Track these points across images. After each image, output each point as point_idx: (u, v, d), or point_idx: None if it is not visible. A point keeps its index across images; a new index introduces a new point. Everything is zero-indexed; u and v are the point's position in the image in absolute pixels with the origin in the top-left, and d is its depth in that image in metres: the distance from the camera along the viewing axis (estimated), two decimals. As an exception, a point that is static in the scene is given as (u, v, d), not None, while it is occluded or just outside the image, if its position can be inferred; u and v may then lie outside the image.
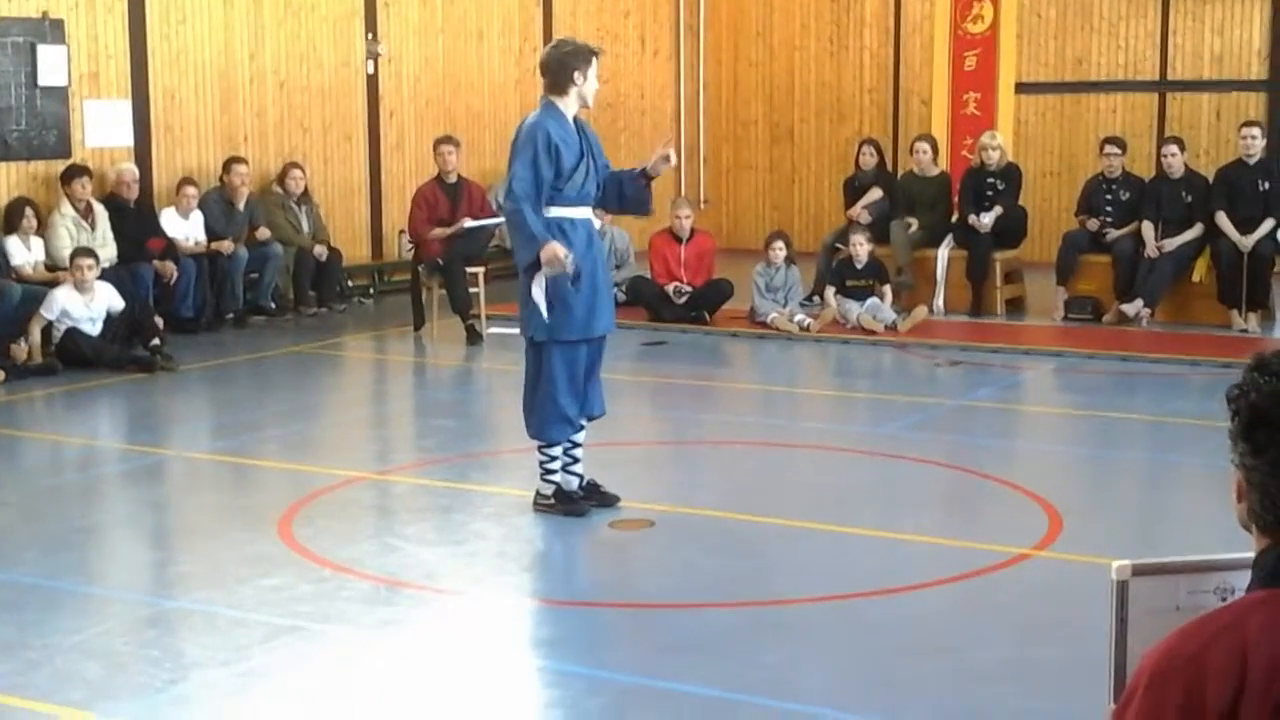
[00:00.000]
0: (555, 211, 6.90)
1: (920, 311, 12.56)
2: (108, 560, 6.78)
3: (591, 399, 7.12)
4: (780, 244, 12.84)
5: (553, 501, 7.06)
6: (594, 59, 6.99)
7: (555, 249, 6.72)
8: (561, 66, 6.94)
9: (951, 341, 12.03)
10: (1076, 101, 16.69)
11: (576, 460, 7.12)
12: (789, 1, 18.36)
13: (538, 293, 6.81)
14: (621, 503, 7.14)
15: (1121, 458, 8.66)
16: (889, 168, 15.29)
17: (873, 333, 12.19)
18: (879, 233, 13.72)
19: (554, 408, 6.96)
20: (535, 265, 6.79)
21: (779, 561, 6.43)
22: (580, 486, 7.12)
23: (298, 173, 13.66)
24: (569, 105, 6.98)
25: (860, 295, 12.60)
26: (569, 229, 6.90)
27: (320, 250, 13.52)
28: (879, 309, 12.42)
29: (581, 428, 7.12)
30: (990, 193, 13.59)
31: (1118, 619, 2.60)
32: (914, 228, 13.70)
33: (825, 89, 18.28)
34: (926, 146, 14.03)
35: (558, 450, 7.06)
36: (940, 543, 6.64)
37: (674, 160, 7.25)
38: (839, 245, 13.53)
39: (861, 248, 12.73)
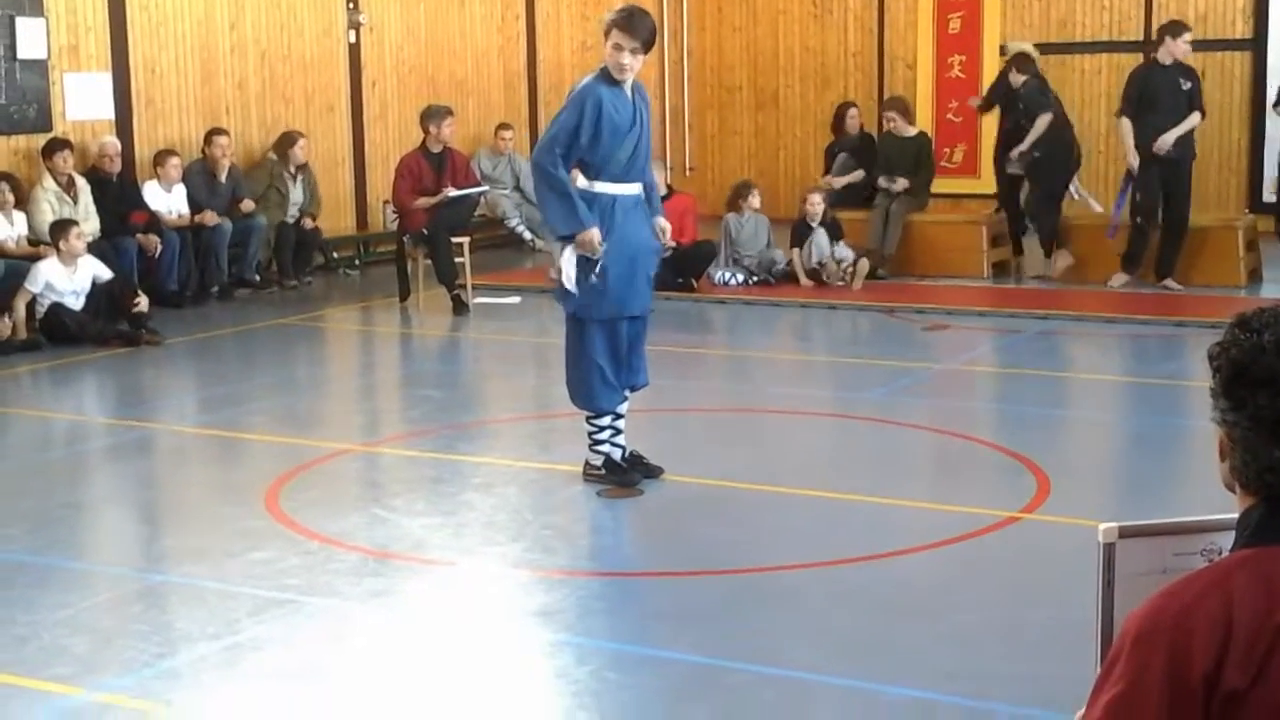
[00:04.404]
0: (600, 187, 6.74)
1: (863, 265, 12.69)
2: (95, 535, 6.77)
3: (636, 369, 7.01)
4: (755, 193, 13.18)
5: (603, 472, 6.97)
6: (612, 33, 6.59)
7: (594, 239, 6.58)
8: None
9: (939, 305, 12.02)
10: (1061, 63, 16.63)
11: (619, 431, 7.02)
12: (772, -35, 18.30)
13: (568, 267, 6.68)
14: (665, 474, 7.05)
15: (1109, 420, 8.67)
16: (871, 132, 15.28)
17: (822, 284, 12.54)
18: (861, 200, 13.87)
19: (598, 376, 6.85)
20: (570, 237, 6.65)
21: (766, 528, 6.43)
22: (623, 458, 7.02)
23: (304, 141, 13.61)
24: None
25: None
26: (613, 206, 6.74)
27: (306, 220, 13.49)
28: (820, 251, 12.68)
29: (625, 398, 7.04)
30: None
31: (1104, 581, 2.60)
32: (898, 186, 13.60)
33: (809, 53, 18.23)
34: (894, 114, 13.96)
35: (606, 420, 6.95)
36: (928, 507, 6.64)
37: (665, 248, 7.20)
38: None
39: (816, 205, 12.82)
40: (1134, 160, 12.38)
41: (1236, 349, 2.18)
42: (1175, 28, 12.49)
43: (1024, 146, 13.02)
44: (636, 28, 6.64)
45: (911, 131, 14.04)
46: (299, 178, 13.67)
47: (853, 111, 14.83)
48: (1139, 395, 9.30)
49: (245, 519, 6.54)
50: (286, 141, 13.61)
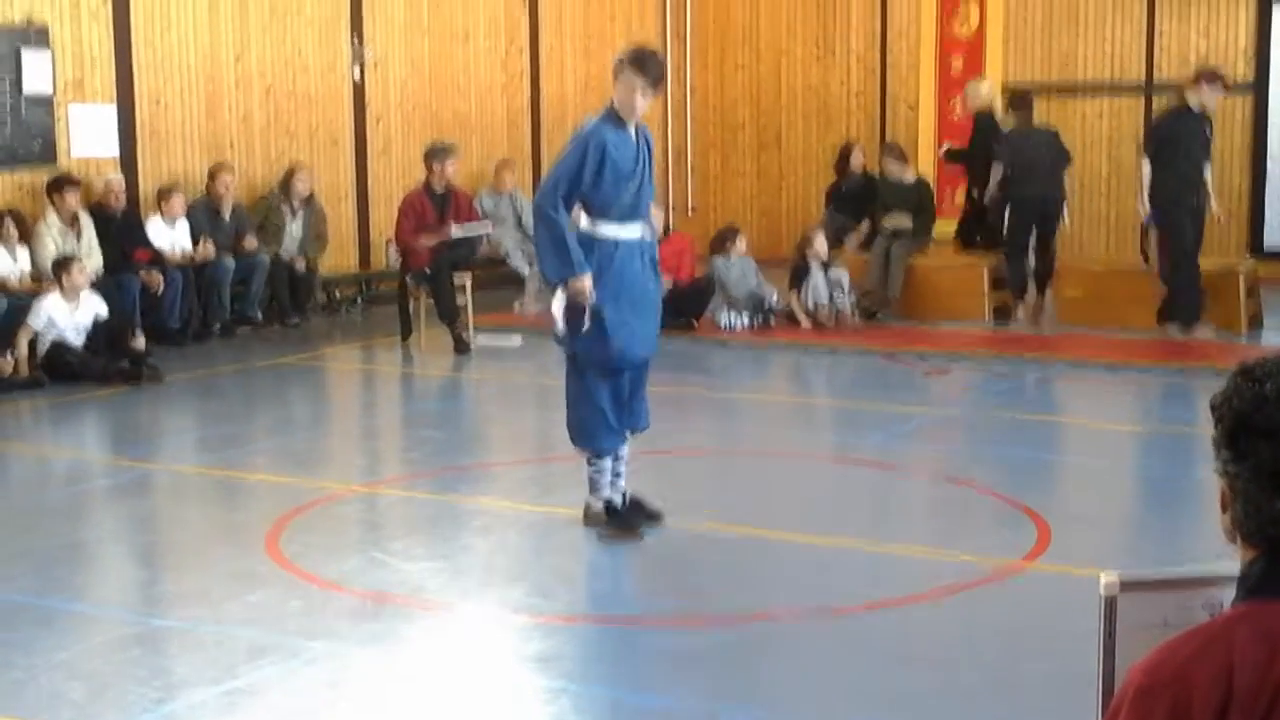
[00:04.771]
0: (603, 228, 6.71)
1: (850, 299, 12.90)
2: (94, 577, 6.74)
3: (637, 412, 6.98)
4: (740, 237, 13.22)
5: (604, 516, 6.92)
6: (624, 74, 6.57)
7: (584, 287, 6.57)
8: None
9: (939, 349, 12.01)
10: (1063, 104, 16.70)
11: (620, 474, 6.99)
12: (775, 5, 18.36)
13: (558, 310, 6.68)
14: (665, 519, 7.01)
15: (1111, 468, 8.64)
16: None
17: (822, 325, 12.64)
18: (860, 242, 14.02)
19: (600, 418, 6.81)
20: (561, 284, 6.64)
21: (766, 574, 6.41)
22: (623, 501, 6.98)
23: (305, 175, 13.62)
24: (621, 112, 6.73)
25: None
26: (613, 249, 6.71)
27: (299, 262, 13.44)
28: (818, 293, 12.74)
29: (625, 439, 7.01)
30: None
31: (1105, 633, 2.59)
32: (900, 222, 13.66)
33: (812, 93, 18.28)
34: (892, 161, 13.98)
35: (606, 462, 6.91)
36: (928, 554, 6.63)
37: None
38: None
39: (820, 246, 12.92)
40: (1145, 209, 12.19)
41: (1239, 399, 2.17)
42: (1213, 76, 12.42)
43: (991, 189, 13.23)
44: (650, 68, 6.66)
45: (911, 177, 14.04)
46: (300, 212, 13.64)
47: (856, 151, 14.88)
48: (1140, 443, 9.29)
49: (245, 561, 6.52)
50: (288, 174, 13.63)
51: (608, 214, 6.73)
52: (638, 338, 6.83)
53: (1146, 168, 12.17)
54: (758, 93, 18.63)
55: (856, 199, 14.51)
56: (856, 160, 14.76)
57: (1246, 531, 2.18)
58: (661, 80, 6.74)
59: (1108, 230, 16.69)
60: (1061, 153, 13.38)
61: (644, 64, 6.65)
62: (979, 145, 13.69)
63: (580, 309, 6.64)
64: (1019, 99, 13.70)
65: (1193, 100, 12.16)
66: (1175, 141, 12.04)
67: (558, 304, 6.69)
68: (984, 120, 13.84)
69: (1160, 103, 16.47)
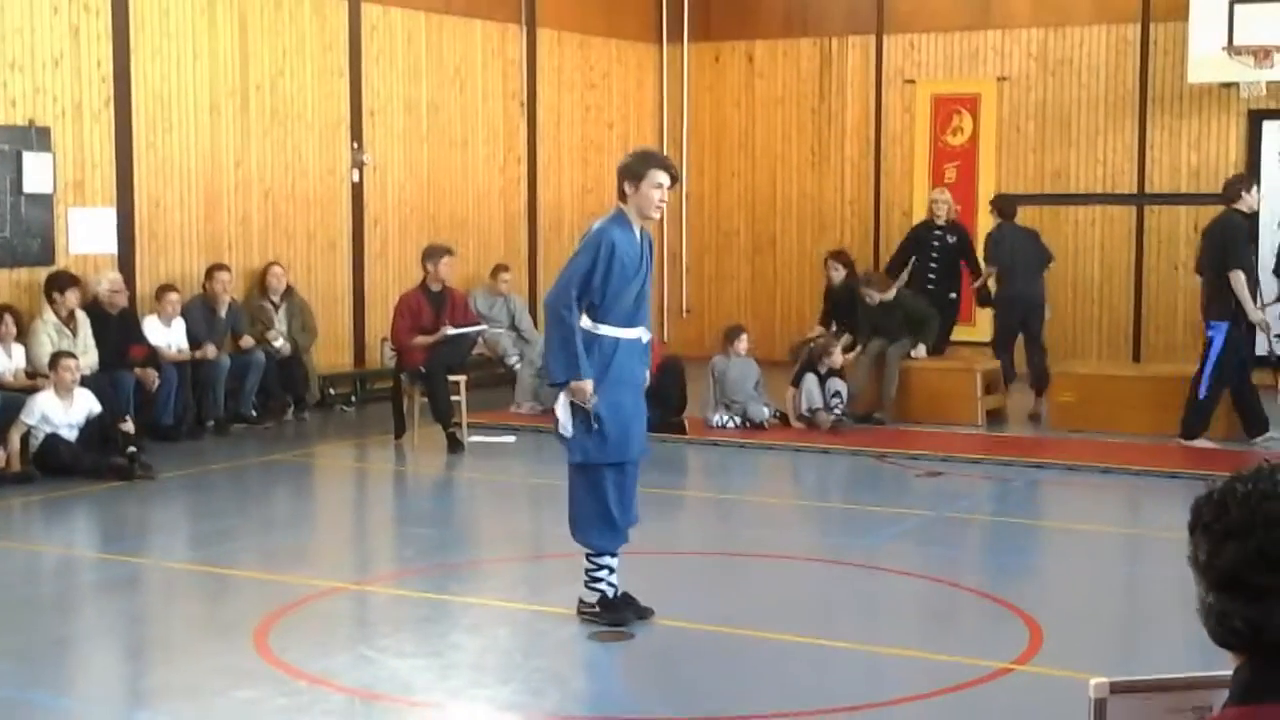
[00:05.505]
0: (604, 330, 6.84)
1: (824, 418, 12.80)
2: (82, 672, 6.71)
3: (627, 508, 7.06)
4: (744, 337, 13.27)
5: (597, 610, 6.96)
6: (649, 173, 6.80)
7: (586, 390, 6.69)
8: (619, 174, 6.90)
9: (932, 451, 12.01)
10: (1055, 214, 16.84)
11: (613, 570, 7.03)
12: (771, 112, 18.56)
13: (562, 411, 6.78)
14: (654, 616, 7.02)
15: (1104, 571, 8.63)
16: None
17: (814, 426, 12.67)
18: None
19: (605, 513, 6.91)
20: (564, 384, 6.77)
21: (757, 674, 6.38)
22: (615, 596, 7.02)
23: (277, 269, 13.70)
24: (632, 215, 6.89)
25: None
26: (613, 350, 6.83)
27: (284, 345, 13.46)
28: (810, 398, 12.81)
29: (627, 538, 7.06)
30: (937, 244, 14.34)
31: (1095, 737, 2.58)
32: (919, 353, 13.68)
33: (806, 200, 18.43)
34: (871, 291, 13.76)
35: (607, 559, 6.98)
36: (920, 656, 6.60)
37: None
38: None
39: (834, 355, 13.09)
40: (1257, 316, 11.91)
41: (1203, 498, 2.23)
42: (1253, 182, 12.53)
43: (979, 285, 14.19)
44: (670, 164, 7.01)
45: (891, 294, 13.85)
46: (282, 306, 13.71)
47: (831, 263, 14.76)
48: (1133, 547, 9.27)
49: (233, 657, 6.49)
50: (262, 272, 13.73)
51: (609, 316, 6.84)
52: (634, 435, 6.93)
53: (1242, 279, 11.76)
54: (753, 199, 18.78)
55: (842, 305, 14.48)
56: (834, 275, 14.64)
57: (1207, 629, 2.21)
58: (678, 175, 6.99)
59: (1099, 334, 16.77)
60: (1042, 252, 13.69)
61: (667, 161, 7.01)
62: (959, 252, 14.47)
63: (582, 410, 6.71)
64: (1003, 201, 14.10)
65: (1244, 206, 12.15)
66: (1245, 248, 12.05)
67: (561, 404, 6.77)
68: (959, 227, 14.59)
69: (1152, 213, 16.64)
